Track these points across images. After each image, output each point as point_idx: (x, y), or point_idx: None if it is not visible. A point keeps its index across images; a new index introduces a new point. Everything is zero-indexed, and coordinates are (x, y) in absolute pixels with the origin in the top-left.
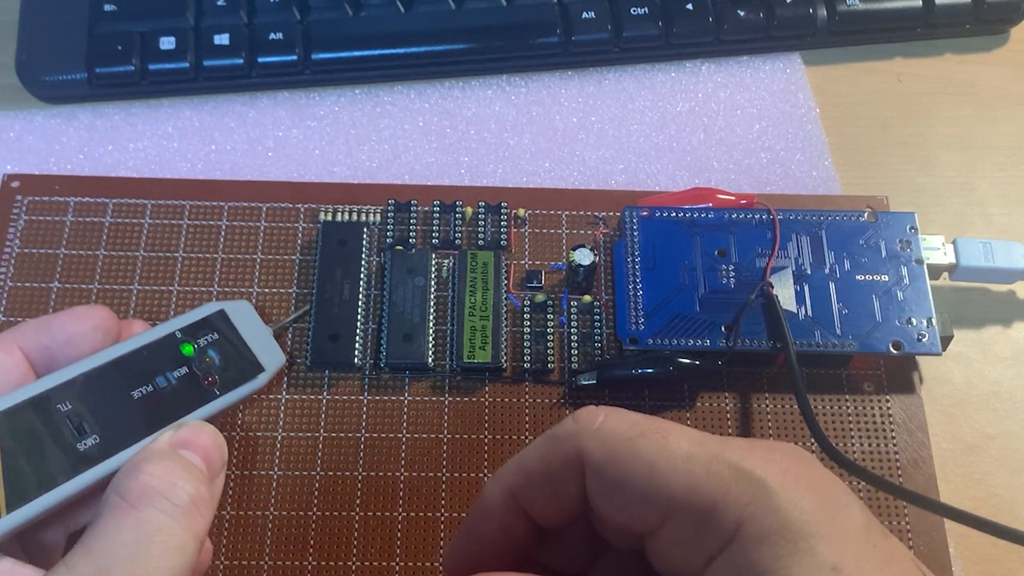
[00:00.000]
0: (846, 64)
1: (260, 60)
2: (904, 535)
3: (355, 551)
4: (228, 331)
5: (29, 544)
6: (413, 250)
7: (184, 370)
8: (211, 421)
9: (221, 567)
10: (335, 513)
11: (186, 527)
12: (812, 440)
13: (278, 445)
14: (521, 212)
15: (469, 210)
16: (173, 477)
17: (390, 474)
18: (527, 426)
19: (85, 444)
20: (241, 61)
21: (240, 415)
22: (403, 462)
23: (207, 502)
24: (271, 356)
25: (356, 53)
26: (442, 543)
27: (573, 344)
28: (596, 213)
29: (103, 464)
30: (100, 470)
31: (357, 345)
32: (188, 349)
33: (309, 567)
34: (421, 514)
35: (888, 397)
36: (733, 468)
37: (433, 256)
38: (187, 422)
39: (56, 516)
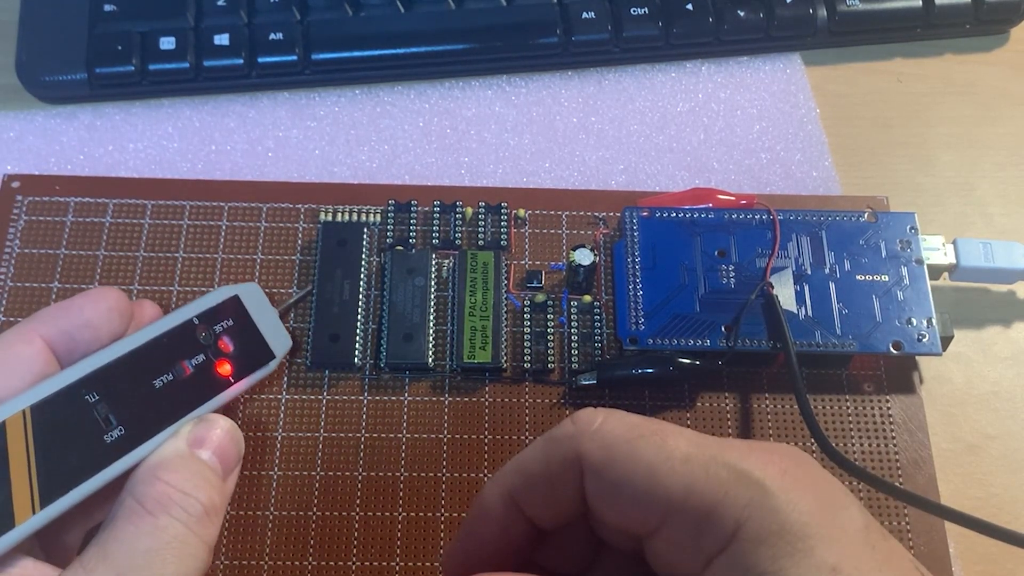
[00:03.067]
0: (846, 64)
1: (260, 60)
2: (904, 535)
3: (355, 551)
4: (241, 316)
5: (47, 542)
6: (413, 250)
7: (201, 357)
8: (224, 407)
9: (221, 567)
10: (335, 513)
11: (200, 535)
12: (812, 440)
13: (278, 445)
14: (521, 212)
15: (469, 210)
16: (188, 486)
17: (390, 474)
18: (527, 426)
19: (111, 436)
20: (241, 61)
21: (240, 415)
22: (403, 462)
23: (219, 509)
24: (279, 340)
25: (356, 53)
26: (442, 543)
27: (573, 344)
28: (596, 213)
29: (127, 457)
30: (124, 463)
31: (357, 345)
32: (204, 335)
33: (309, 567)
34: (421, 514)
35: (888, 397)
36: (731, 469)
37: (433, 256)
38: (206, 416)
39: (76, 512)
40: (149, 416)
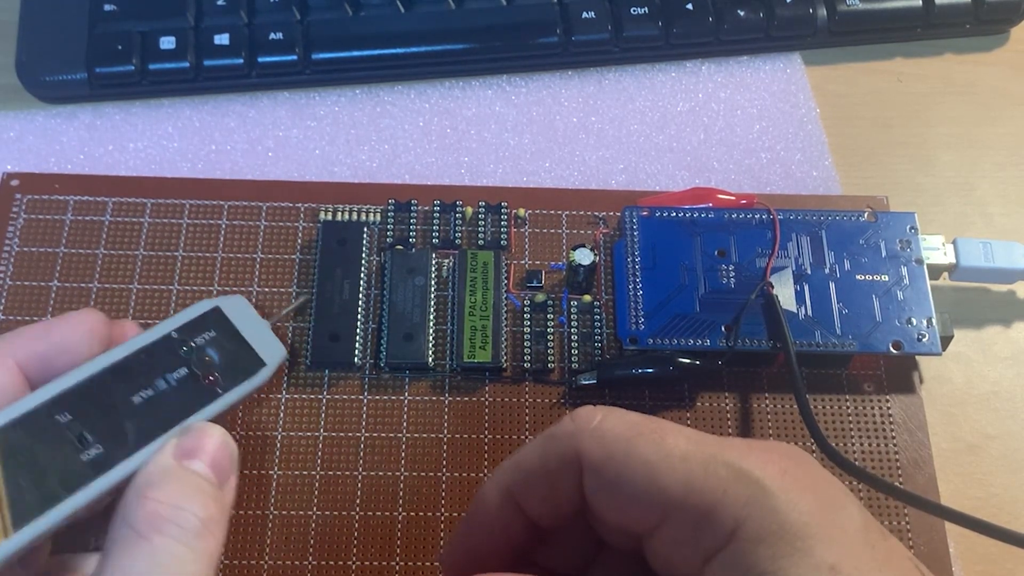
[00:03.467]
0: (846, 64)
1: (260, 60)
2: (904, 535)
3: (355, 551)
4: (225, 328)
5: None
6: (413, 250)
7: (184, 371)
8: (216, 421)
9: (222, 567)
10: (335, 513)
11: (200, 551)
12: (811, 441)
13: (278, 445)
14: (521, 212)
15: (469, 210)
16: (179, 500)
17: (390, 474)
18: (527, 426)
19: (88, 455)
20: (241, 61)
21: (240, 415)
22: (403, 462)
23: (217, 520)
24: (271, 350)
25: (356, 53)
26: (442, 543)
27: (573, 344)
28: (596, 213)
29: (108, 474)
30: (106, 481)
31: (357, 345)
32: (185, 349)
33: (309, 567)
34: (421, 514)
35: (888, 397)
36: (731, 468)
37: (433, 256)
38: (193, 426)
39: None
40: (130, 433)
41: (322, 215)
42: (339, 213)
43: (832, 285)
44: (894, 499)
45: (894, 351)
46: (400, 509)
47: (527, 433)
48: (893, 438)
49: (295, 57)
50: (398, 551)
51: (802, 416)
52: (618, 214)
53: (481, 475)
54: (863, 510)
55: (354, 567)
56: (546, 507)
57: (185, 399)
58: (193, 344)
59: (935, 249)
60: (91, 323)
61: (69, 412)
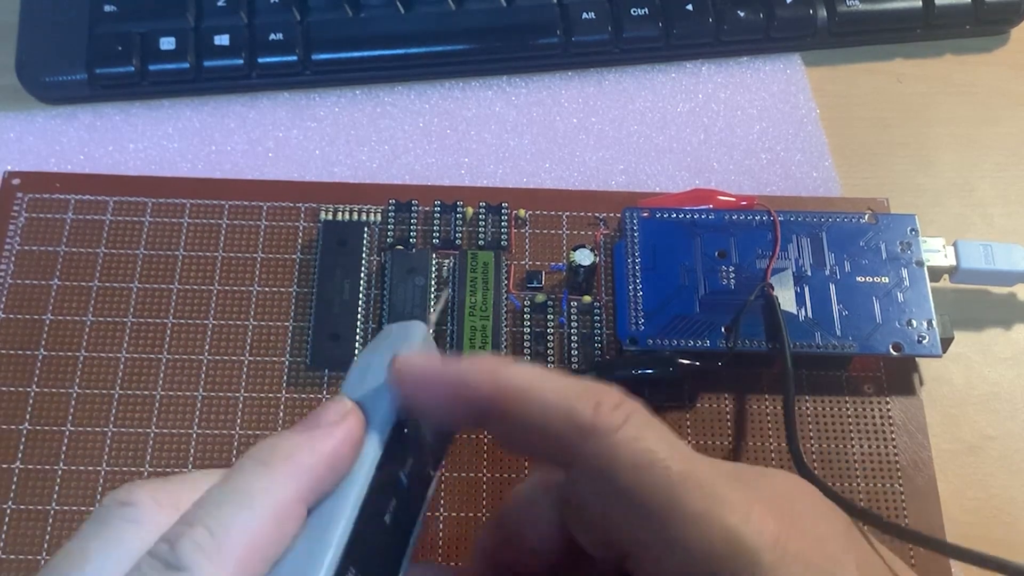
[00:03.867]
0: (846, 64)
1: (260, 60)
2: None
3: None
4: None
5: None
6: (413, 250)
7: (411, 461)
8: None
9: None
10: None
11: None
12: (809, 442)
13: None
14: (521, 213)
15: (470, 210)
16: None
17: None
18: None
19: None
20: (241, 61)
21: (240, 415)
22: None
23: None
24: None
25: (356, 54)
26: (442, 543)
27: (573, 344)
28: (596, 214)
29: None
30: None
31: (357, 345)
32: (407, 432)
33: None
34: None
35: (888, 399)
36: (728, 534)
37: (433, 256)
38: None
39: None
40: (388, 558)
41: (322, 215)
42: (339, 213)
43: (832, 287)
44: (893, 509)
45: (894, 353)
46: None
47: None
48: (893, 440)
49: (295, 58)
50: None
51: (785, 424)
52: (618, 215)
53: (481, 476)
54: (863, 564)
55: None
56: (526, 547)
57: (413, 494)
58: (415, 425)
59: (936, 251)
60: (356, 433)
61: (353, 565)
